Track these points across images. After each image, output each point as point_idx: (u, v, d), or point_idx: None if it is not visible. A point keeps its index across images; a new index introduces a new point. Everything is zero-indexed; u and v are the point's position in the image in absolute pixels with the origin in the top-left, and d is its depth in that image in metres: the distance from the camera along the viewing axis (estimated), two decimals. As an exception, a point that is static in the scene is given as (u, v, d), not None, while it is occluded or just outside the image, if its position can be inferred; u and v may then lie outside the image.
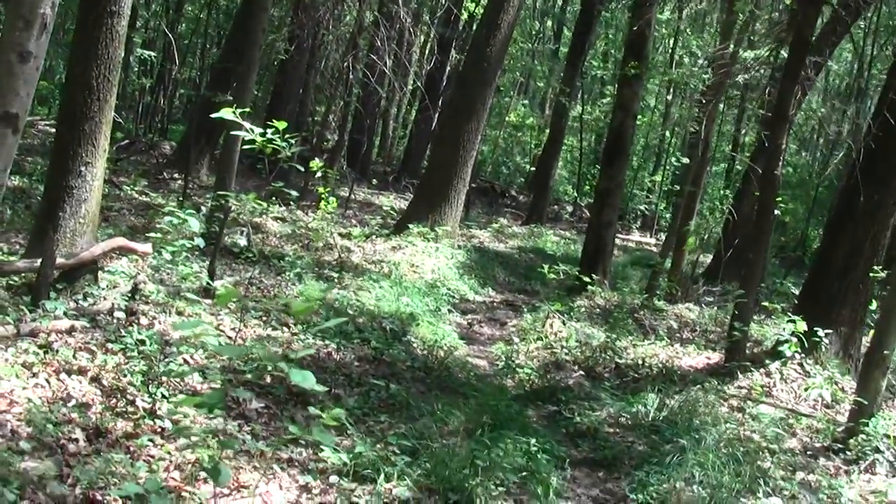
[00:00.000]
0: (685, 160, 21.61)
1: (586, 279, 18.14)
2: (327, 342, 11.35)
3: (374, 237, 20.91)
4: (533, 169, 43.28)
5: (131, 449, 7.21)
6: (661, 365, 13.16)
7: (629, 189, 38.65)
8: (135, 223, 17.09)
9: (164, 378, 8.55)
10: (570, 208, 40.50)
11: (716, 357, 13.97)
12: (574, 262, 20.67)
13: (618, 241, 25.27)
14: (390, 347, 12.02)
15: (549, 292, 19.01)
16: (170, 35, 29.04)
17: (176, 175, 23.84)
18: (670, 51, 38.71)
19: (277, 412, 8.85)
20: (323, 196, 20.81)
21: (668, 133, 41.51)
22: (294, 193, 12.07)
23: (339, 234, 20.45)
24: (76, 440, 7.12)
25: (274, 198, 21.72)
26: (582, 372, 13.01)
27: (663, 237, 33.60)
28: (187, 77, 37.06)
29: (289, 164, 9.16)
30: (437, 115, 33.60)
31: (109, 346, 9.07)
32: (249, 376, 9.14)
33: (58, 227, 10.66)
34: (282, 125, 8.21)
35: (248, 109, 8.51)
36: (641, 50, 20.84)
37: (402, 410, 9.74)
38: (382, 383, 10.39)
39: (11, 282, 10.58)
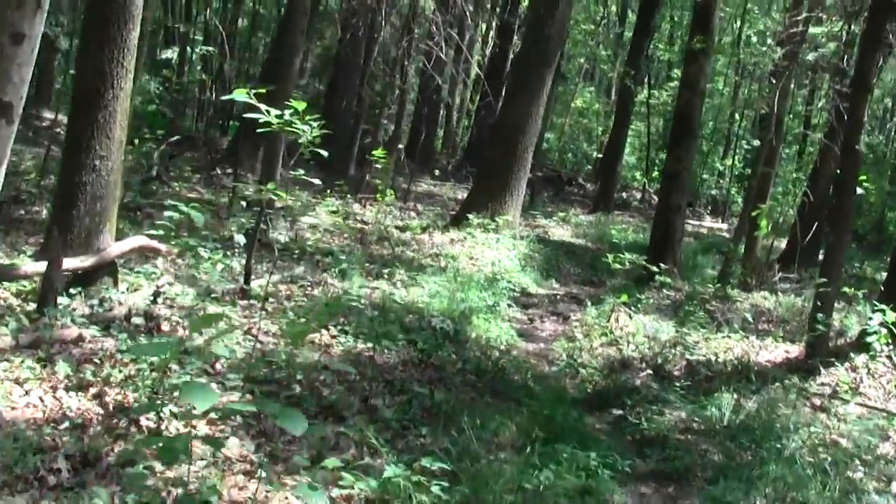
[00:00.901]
0: (756, 142, 20.58)
1: (654, 268, 17.05)
2: (369, 344, 10.42)
3: (431, 229, 20.08)
4: (600, 156, 42.37)
5: (124, 479, 6.26)
6: (735, 361, 12.05)
7: (699, 174, 37.56)
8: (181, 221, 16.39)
9: (175, 393, 7.61)
10: (638, 195, 39.48)
11: (795, 350, 12.88)
12: (642, 251, 19.56)
13: (689, 228, 24.19)
14: (439, 349, 11.04)
15: (615, 283, 17.97)
16: (221, 29, 28.39)
17: (229, 171, 23.13)
18: (738, 32, 37.58)
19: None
20: (379, 188, 20.08)
21: (737, 115, 40.40)
22: (317, 182, 11.12)
23: (396, 227, 19.71)
24: (58, 471, 6.25)
25: (329, 191, 21.06)
26: (650, 370, 11.90)
27: (735, 223, 32.65)
28: (250, 73, 36.49)
29: (310, 151, 8.22)
30: (499, 104, 32.79)
31: (120, 356, 8.19)
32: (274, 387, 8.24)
33: (71, 226, 9.88)
34: (301, 105, 7.27)
35: (263, 91, 7.54)
36: (708, 23, 19.71)
37: (446, 422, 8.67)
38: (426, 391, 9.41)
39: (22, 287, 9.79)
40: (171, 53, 33.28)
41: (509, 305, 15.34)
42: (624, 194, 38.22)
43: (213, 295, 10.95)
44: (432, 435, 8.32)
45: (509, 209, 21.12)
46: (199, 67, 33.60)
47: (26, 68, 8.47)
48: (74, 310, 9.32)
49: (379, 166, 21.08)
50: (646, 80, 38.47)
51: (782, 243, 24.34)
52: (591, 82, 50.58)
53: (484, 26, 38.97)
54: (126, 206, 15.53)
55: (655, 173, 39.83)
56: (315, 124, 7.78)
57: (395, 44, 27.01)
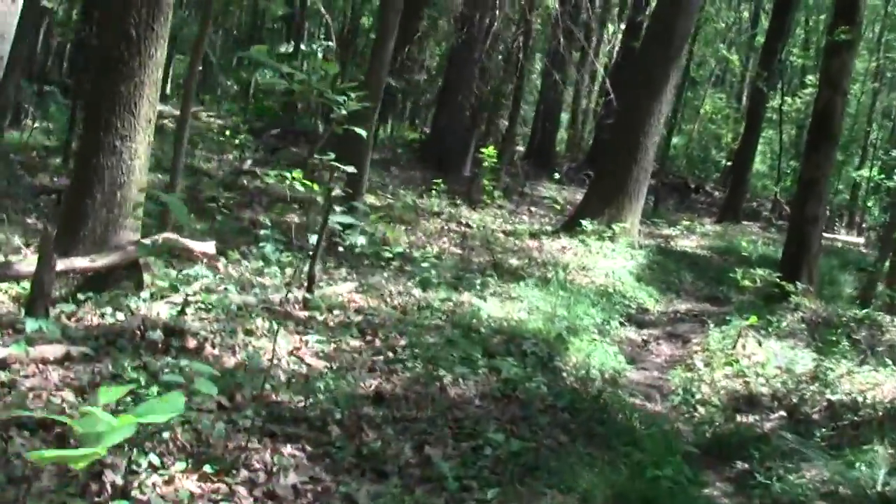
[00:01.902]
0: (894, 152, 18.65)
1: (788, 287, 15.07)
2: (443, 372, 8.62)
3: (540, 235, 18.49)
4: (728, 163, 40.52)
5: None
6: (888, 404, 9.96)
7: (834, 184, 35.37)
8: (254, 218, 14.99)
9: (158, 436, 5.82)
10: (768, 205, 37.45)
11: (959, 392, 10.80)
12: (772, 265, 17.54)
13: (822, 242, 22.09)
14: (528, 379, 9.09)
15: (742, 301, 15.97)
16: (329, 20, 27.40)
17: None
18: (878, 34, 35.42)
19: (332, 486, 6.04)
20: (487, 189, 18.68)
21: (875, 124, 38.17)
22: (350, 169, 9.45)
23: (504, 232, 18.20)
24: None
25: (432, 189, 19.64)
26: (783, 412, 9.90)
27: (872, 235, 30.65)
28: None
29: (344, 129, 6.63)
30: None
31: (111, 385, 6.45)
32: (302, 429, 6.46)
33: (85, 217, 8.29)
34: (332, 68, 5.61)
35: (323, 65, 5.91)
36: (854, 13, 17.53)
37: (522, 480, 6.76)
38: (501, 436, 7.40)
39: (22, 290, 8.20)
40: (289, 47, 32.70)
41: (622, 324, 13.64)
42: (753, 203, 36.38)
43: (263, 305, 9.27)
44: (501, 499, 6.41)
45: (627, 215, 19.52)
46: (318, 62, 32.68)
47: (6, 25, 6.90)
48: (80, 319, 7.71)
49: (487, 165, 19.60)
50: (779, 84, 36.47)
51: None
52: (721, 87, 48.79)
53: (611, 27, 37.64)
54: (210, 199, 14.31)
55: (788, 182, 37.81)
56: (353, 95, 6.04)
57: (511, 38, 25.45)
